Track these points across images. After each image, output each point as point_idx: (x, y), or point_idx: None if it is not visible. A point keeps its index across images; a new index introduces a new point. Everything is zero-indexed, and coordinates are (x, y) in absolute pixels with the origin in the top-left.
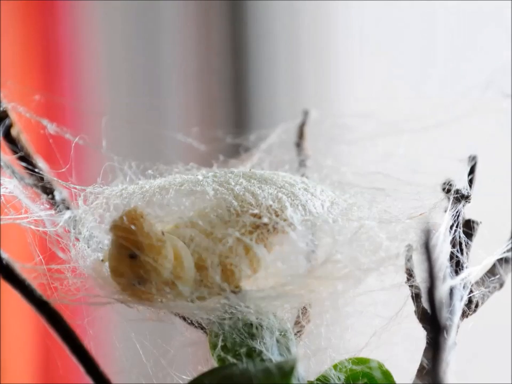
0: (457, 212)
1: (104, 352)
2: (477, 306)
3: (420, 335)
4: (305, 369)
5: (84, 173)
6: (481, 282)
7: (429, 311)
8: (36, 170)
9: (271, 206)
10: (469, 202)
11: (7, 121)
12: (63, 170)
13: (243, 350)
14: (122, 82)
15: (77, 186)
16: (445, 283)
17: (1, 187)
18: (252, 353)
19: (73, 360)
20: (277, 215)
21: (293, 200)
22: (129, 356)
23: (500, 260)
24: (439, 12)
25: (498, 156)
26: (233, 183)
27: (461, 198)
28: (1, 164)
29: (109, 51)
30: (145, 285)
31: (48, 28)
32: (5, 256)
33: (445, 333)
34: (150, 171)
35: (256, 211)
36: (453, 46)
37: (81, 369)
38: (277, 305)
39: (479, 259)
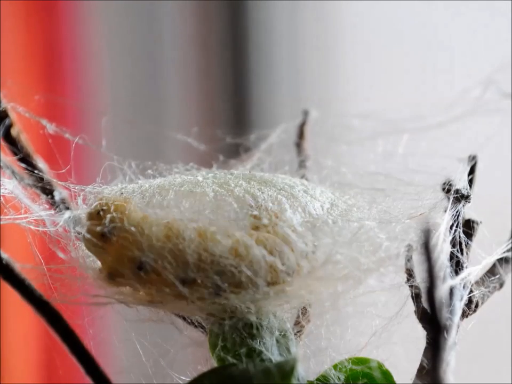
0: (457, 212)
1: (104, 352)
2: (477, 306)
3: (420, 335)
4: (305, 369)
5: (84, 173)
6: (481, 282)
7: (429, 311)
8: (36, 170)
9: (270, 208)
10: (469, 202)
11: (7, 121)
12: (63, 171)
13: (243, 350)
14: (123, 82)
15: (76, 186)
16: (445, 283)
17: (1, 187)
18: (252, 354)
19: (74, 360)
20: (277, 217)
21: (293, 202)
22: (129, 356)
23: (500, 260)
24: (440, 12)
25: (499, 156)
26: (233, 185)
27: (461, 198)
28: (1, 164)
29: (109, 51)
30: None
31: (48, 27)
32: (5, 256)
33: (445, 333)
34: (149, 171)
35: (255, 212)
36: (453, 45)
37: (81, 369)
38: (277, 306)
39: (479, 259)
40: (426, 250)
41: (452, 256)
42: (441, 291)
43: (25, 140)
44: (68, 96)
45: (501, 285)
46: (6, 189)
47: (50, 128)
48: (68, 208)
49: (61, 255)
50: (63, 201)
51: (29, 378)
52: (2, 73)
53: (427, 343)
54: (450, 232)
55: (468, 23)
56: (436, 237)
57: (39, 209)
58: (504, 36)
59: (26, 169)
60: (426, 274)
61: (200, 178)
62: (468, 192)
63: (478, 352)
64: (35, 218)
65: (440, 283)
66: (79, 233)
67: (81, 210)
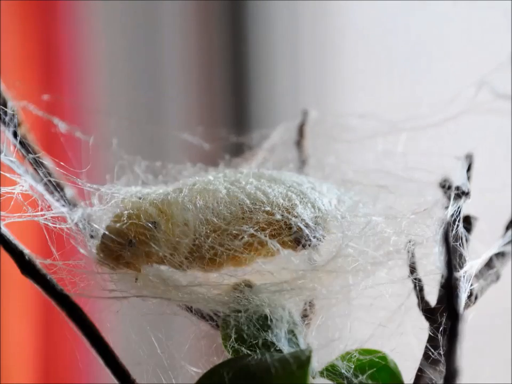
0: (458, 208)
1: (119, 345)
2: (476, 298)
3: (425, 326)
4: (317, 360)
5: (88, 171)
6: (479, 275)
7: (446, 300)
8: (44, 169)
9: (282, 204)
10: (469, 198)
11: (15, 121)
12: (74, 170)
13: (256, 342)
14: (126, 83)
15: (93, 186)
16: (457, 274)
17: (18, 185)
18: (265, 345)
19: (93, 353)
20: (288, 213)
21: (302, 198)
22: (144, 349)
23: (497, 254)
24: (438, 12)
25: (497, 154)
26: (243, 183)
27: (461, 194)
28: (13, 162)
29: (112, 52)
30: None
31: (49, 27)
32: (27, 252)
33: (461, 320)
34: (160, 176)
35: (268, 208)
36: (452, 45)
37: (100, 362)
38: (289, 298)
39: (476, 253)
40: (446, 241)
41: (454, 250)
42: (457, 280)
43: (33, 138)
44: (69, 96)
45: (497, 278)
46: (22, 186)
47: (62, 127)
48: (75, 206)
49: (81, 250)
50: (71, 199)
51: (28, 378)
52: (3, 73)
53: (431, 333)
54: (452, 227)
55: (466, 23)
56: (449, 230)
57: (56, 206)
58: (503, 36)
59: (35, 169)
60: (446, 264)
61: (211, 178)
62: (468, 189)
63: (478, 352)
64: (51, 215)
65: (456, 272)
66: (92, 230)
67: (96, 208)
